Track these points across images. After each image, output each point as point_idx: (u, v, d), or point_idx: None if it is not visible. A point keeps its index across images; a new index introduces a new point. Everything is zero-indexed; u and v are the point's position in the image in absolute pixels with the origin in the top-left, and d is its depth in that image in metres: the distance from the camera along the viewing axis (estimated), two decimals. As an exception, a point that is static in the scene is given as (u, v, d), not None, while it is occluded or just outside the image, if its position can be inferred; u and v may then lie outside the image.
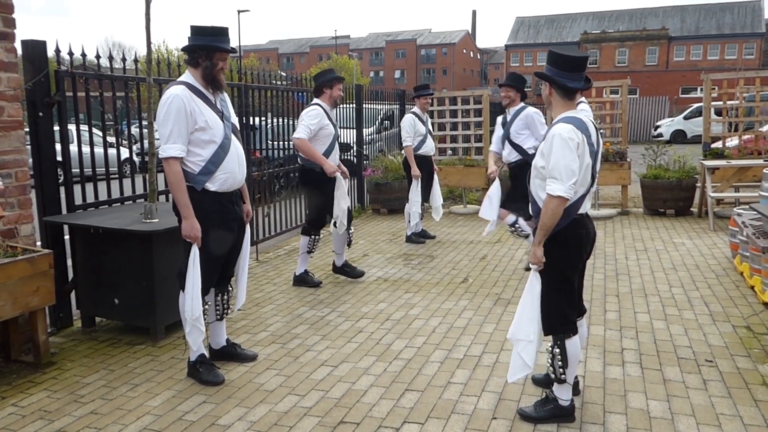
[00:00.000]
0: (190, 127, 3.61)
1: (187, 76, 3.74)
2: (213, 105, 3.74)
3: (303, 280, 6.06)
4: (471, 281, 6.09)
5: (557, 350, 3.24)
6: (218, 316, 4.15)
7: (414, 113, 7.85)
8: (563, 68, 3.18)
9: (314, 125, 5.62)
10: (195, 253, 3.71)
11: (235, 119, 3.97)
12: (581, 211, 3.19)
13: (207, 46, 3.67)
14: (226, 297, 4.15)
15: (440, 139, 11.40)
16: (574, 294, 3.30)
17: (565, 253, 3.20)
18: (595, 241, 3.34)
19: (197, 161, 3.69)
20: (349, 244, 6.21)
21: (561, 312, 3.23)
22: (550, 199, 3.01)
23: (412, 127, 7.71)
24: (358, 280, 6.20)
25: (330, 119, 5.78)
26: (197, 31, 3.71)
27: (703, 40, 58.18)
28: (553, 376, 3.30)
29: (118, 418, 3.43)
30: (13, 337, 4.20)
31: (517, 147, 6.33)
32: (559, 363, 3.23)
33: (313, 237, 6.02)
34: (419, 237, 8.05)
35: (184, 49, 3.76)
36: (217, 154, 3.71)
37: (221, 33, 3.73)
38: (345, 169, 5.90)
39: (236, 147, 3.84)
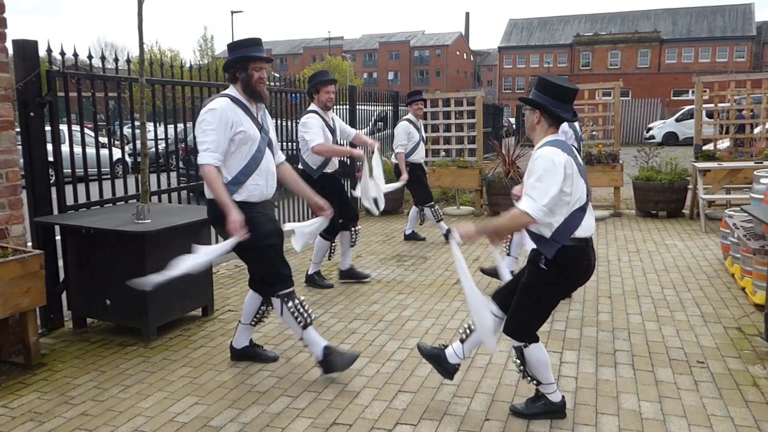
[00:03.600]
0: (228, 138, 3.68)
1: (231, 89, 3.83)
2: (254, 117, 3.81)
3: (313, 281, 6.14)
4: (464, 282, 6.08)
5: (518, 361, 3.32)
6: (253, 322, 4.17)
7: (408, 120, 7.87)
8: (558, 99, 3.16)
9: (321, 133, 5.64)
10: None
11: (273, 134, 4.01)
12: (584, 234, 3.16)
13: (240, 58, 3.75)
14: (265, 308, 4.12)
15: (433, 140, 11.41)
16: (546, 316, 3.33)
17: (564, 283, 3.24)
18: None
19: (231, 170, 3.75)
20: (353, 243, 6.27)
21: (529, 328, 3.26)
22: (519, 213, 2.99)
23: (407, 133, 7.77)
24: (352, 281, 6.19)
25: (326, 124, 5.77)
26: (231, 47, 3.82)
27: (694, 43, 58.55)
28: (528, 380, 3.34)
29: (109, 419, 3.41)
30: (4, 338, 4.17)
31: None
32: (527, 370, 3.30)
33: (332, 244, 6.16)
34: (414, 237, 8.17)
35: (224, 69, 3.87)
36: (248, 165, 3.77)
37: (253, 43, 3.82)
38: (358, 152, 5.92)
39: (268, 161, 3.88)
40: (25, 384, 3.88)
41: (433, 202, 8.01)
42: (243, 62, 3.76)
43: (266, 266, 3.83)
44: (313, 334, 3.91)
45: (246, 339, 4.22)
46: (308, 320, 3.86)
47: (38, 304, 4.12)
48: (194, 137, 3.81)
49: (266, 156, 3.87)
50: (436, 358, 3.58)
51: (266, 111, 4.02)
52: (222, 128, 3.65)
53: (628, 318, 4.90)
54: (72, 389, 3.80)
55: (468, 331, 3.49)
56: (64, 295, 4.88)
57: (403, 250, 7.61)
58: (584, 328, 4.69)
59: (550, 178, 2.98)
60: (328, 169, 5.81)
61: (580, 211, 3.13)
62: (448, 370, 3.56)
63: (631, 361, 4.06)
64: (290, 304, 3.81)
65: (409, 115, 7.97)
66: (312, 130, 5.62)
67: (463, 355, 3.53)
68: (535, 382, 3.33)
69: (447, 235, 4.49)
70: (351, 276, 6.25)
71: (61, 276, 4.87)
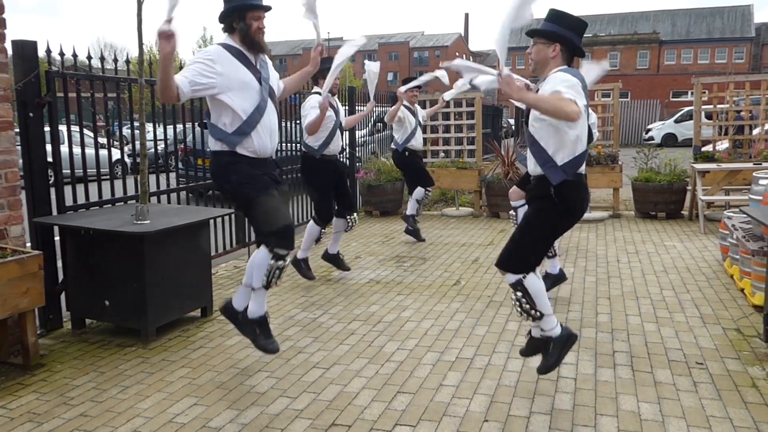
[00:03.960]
0: (205, 81, 3.50)
1: (226, 38, 3.68)
2: (252, 65, 3.68)
3: (298, 266, 6.17)
4: (463, 284, 6.09)
5: (519, 293, 3.31)
6: (264, 283, 3.79)
7: (404, 105, 7.88)
8: (579, 33, 3.17)
9: (312, 113, 5.61)
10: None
11: (275, 83, 3.90)
12: (582, 170, 3.28)
13: (238, 6, 3.60)
14: (281, 263, 3.76)
15: (433, 141, 11.41)
16: (547, 250, 3.37)
17: (566, 218, 3.29)
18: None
19: (234, 120, 3.63)
20: (348, 229, 6.34)
21: (528, 259, 3.28)
22: (567, 99, 2.92)
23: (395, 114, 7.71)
24: (351, 282, 6.19)
25: (331, 105, 5.78)
26: None
27: (693, 44, 58.59)
28: (529, 319, 3.35)
29: (108, 420, 3.41)
30: (2, 339, 4.17)
31: None
32: (527, 305, 3.30)
33: (321, 230, 6.19)
34: (414, 229, 8.13)
35: (219, 19, 3.71)
36: (252, 116, 3.64)
37: None
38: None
39: (270, 112, 3.75)
40: (23, 385, 3.88)
41: (431, 187, 8.14)
42: (240, 11, 3.61)
43: (263, 214, 3.68)
44: (265, 297, 3.84)
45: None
46: (274, 284, 3.79)
47: (37, 304, 4.11)
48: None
49: (269, 108, 3.75)
50: (541, 346, 3.50)
51: (268, 62, 3.88)
52: (200, 66, 3.48)
53: (627, 319, 4.90)
54: (71, 390, 3.79)
55: (528, 306, 3.35)
56: (63, 296, 4.88)
57: (402, 251, 7.61)
58: (583, 329, 4.69)
59: (575, 86, 3.02)
60: (328, 152, 5.88)
61: (584, 153, 3.25)
62: (567, 337, 3.46)
63: (630, 363, 4.06)
64: (277, 263, 3.69)
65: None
66: (305, 113, 5.68)
67: (555, 322, 3.44)
68: (538, 314, 3.31)
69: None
70: (333, 261, 6.29)
71: (60, 277, 4.86)
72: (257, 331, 3.89)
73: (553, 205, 3.23)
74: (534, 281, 3.31)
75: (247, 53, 3.68)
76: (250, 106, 3.65)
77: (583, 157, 3.26)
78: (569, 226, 3.48)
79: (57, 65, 4.81)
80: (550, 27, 3.18)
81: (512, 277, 3.30)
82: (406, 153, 7.95)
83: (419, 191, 8.10)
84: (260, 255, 3.74)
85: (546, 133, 3.24)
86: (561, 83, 3.06)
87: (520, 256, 3.28)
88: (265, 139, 3.75)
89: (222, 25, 3.72)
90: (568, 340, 3.42)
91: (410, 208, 8.17)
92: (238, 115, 3.64)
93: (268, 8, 3.76)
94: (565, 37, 3.15)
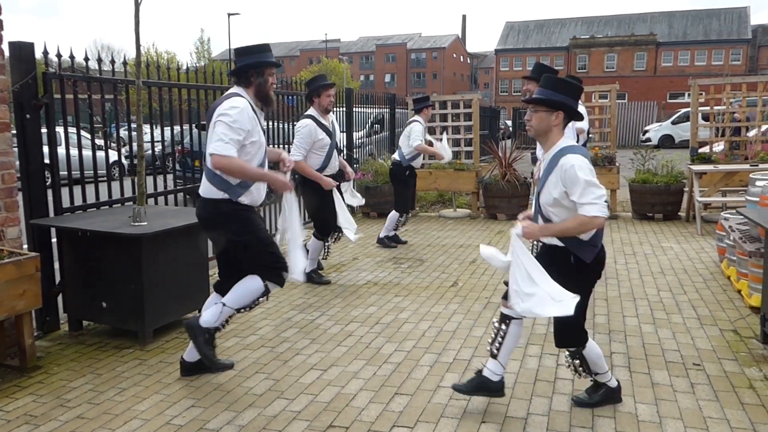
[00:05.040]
0: (242, 140, 3.66)
1: (242, 92, 3.80)
2: (261, 123, 3.85)
3: (311, 279, 6.16)
4: (461, 285, 6.10)
5: (577, 362, 3.37)
6: (244, 310, 3.91)
7: (419, 122, 7.89)
8: (576, 97, 3.19)
9: (306, 144, 5.80)
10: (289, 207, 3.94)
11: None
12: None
13: (259, 63, 3.80)
14: (266, 299, 3.93)
15: (429, 143, 11.41)
16: (586, 309, 3.35)
17: (593, 278, 3.30)
18: None
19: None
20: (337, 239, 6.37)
21: (580, 331, 3.31)
22: (588, 218, 3.01)
23: (422, 133, 7.81)
24: (348, 284, 6.19)
25: (324, 128, 5.85)
26: (244, 51, 3.85)
27: (690, 46, 58.74)
28: (588, 377, 3.45)
29: (105, 422, 3.40)
30: (-1, 341, 4.16)
31: None
32: (583, 371, 3.39)
33: (325, 243, 6.24)
34: (391, 241, 8.04)
35: (234, 72, 3.86)
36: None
37: (266, 49, 3.89)
38: (333, 182, 5.99)
39: (266, 165, 3.96)
40: (20, 387, 3.87)
41: (407, 214, 8.06)
42: (259, 67, 3.80)
43: (268, 254, 3.81)
44: (229, 315, 3.86)
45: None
46: (251, 310, 3.91)
47: (34, 306, 4.10)
48: (208, 130, 3.70)
49: (265, 162, 3.93)
50: (481, 386, 3.47)
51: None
52: (246, 128, 3.64)
53: (625, 320, 4.91)
54: (68, 392, 3.78)
55: (497, 343, 3.42)
56: (60, 298, 4.87)
57: (399, 253, 7.61)
58: (581, 330, 4.69)
59: (594, 179, 3.06)
60: (327, 172, 5.93)
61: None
62: (497, 389, 3.47)
63: (628, 364, 4.06)
64: (265, 297, 3.83)
65: (418, 118, 7.96)
66: (297, 143, 5.82)
67: (503, 368, 3.47)
68: (591, 377, 3.42)
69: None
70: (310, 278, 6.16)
71: (57, 278, 4.85)
72: (206, 336, 3.82)
73: (582, 275, 3.21)
74: (592, 349, 3.34)
75: (257, 109, 3.83)
76: (257, 162, 3.81)
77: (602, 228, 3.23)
78: (595, 281, 3.43)
79: (54, 67, 4.80)
80: (551, 95, 3.15)
81: (572, 351, 3.36)
82: (407, 172, 7.90)
83: (395, 216, 7.90)
84: (255, 285, 3.78)
85: (566, 215, 3.17)
86: (578, 181, 3.02)
87: (571, 334, 3.30)
88: (262, 191, 3.92)
89: (236, 78, 3.86)
90: (616, 396, 3.49)
91: (386, 230, 8.00)
92: None
93: (279, 64, 4.02)
94: (566, 104, 3.15)
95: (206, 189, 3.77)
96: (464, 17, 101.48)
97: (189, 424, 3.37)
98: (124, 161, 6.71)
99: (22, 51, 4.49)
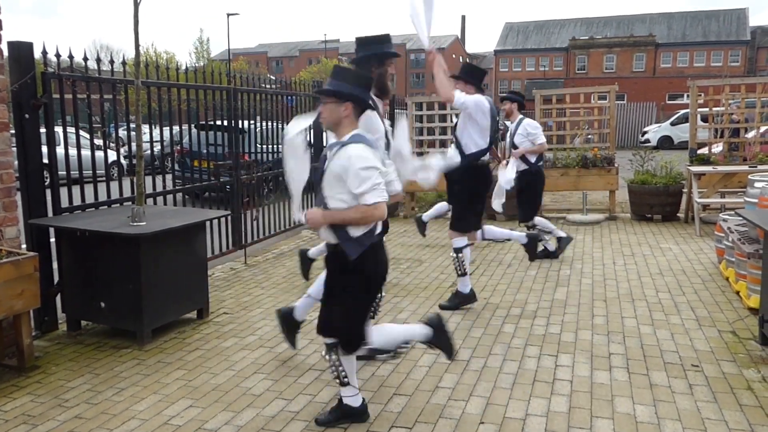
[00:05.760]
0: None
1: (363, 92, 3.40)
2: (381, 114, 3.85)
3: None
4: (459, 285, 6.08)
5: (333, 356, 3.27)
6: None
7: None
8: (366, 87, 3.16)
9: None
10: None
11: None
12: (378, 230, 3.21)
13: (382, 53, 3.86)
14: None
15: (429, 143, 11.42)
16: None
17: (361, 285, 3.20)
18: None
19: None
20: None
21: (341, 327, 3.25)
22: (368, 206, 2.99)
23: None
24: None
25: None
26: (365, 42, 3.90)
27: (689, 47, 58.79)
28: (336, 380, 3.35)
29: (103, 422, 3.40)
30: (-3, 341, 4.16)
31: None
32: (336, 370, 3.29)
33: None
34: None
35: (356, 61, 3.92)
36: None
37: (388, 40, 3.94)
38: None
39: None
40: (18, 387, 3.86)
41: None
42: (380, 58, 3.86)
43: None
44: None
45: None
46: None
47: (32, 306, 4.10)
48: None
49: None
50: (345, 415, 3.39)
51: None
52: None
53: (623, 321, 4.91)
54: (66, 392, 3.78)
55: (341, 373, 3.29)
56: (58, 298, 4.87)
57: (398, 253, 7.61)
58: (579, 331, 4.70)
59: (375, 167, 3.01)
60: None
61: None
62: (360, 413, 3.39)
63: (626, 365, 4.06)
64: None
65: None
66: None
67: (357, 389, 3.38)
68: (346, 380, 3.29)
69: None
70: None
71: (56, 278, 4.85)
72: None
73: (350, 277, 3.16)
74: (351, 360, 3.31)
75: (377, 101, 3.85)
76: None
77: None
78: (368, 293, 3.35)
79: (53, 66, 4.80)
80: (338, 87, 3.10)
81: (328, 340, 3.28)
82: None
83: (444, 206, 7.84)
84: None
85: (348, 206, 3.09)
86: (357, 172, 2.96)
87: (341, 328, 3.27)
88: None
89: (357, 67, 3.91)
90: (352, 416, 3.35)
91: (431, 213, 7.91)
92: None
93: (398, 54, 4.12)
94: (355, 96, 3.09)
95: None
96: (463, 18, 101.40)
97: (187, 424, 3.37)
98: (123, 161, 6.71)
99: (21, 51, 4.49)
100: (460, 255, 5.21)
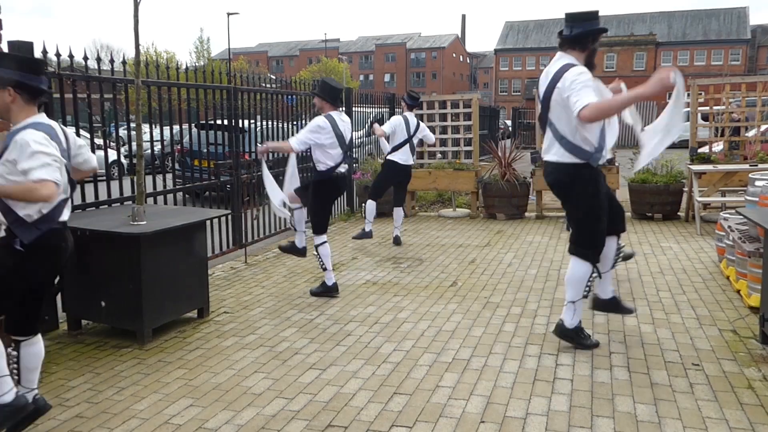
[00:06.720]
0: None
1: (573, 59, 3.98)
2: None
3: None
4: (460, 285, 6.09)
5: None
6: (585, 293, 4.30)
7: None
8: (31, 71, 3.00)
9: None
10: None
11: None
12: (63, 218, 3.12)
13: (599, 29, 4.01)
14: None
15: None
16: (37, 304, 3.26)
17: (40, 265, 3.09)
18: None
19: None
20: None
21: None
22: (34, 183, 2.82)
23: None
24: (347, 284, 6.18)
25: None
26: (581, 17, 4.01)
27: (689, 46, 58.79)
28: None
29: (104, 421, 3.40)
30: (-2, 341, 4.15)
31: None
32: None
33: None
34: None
35: (574, 37, 4.00)
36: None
37: (597, 16, 4.07)
38: None
39: None
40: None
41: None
42: (595, 34, 3.98)
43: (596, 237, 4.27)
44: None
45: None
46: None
47: (33, 306, 4.09)
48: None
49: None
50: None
51: None
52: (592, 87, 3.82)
53: (624, 320, 4.91)
54: (66, 391, 3.78)
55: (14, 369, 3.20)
56: (58, 297, 4.87)
57: (399, 253, 7.61)
58: (580, 330, 4.69)
59: (49, 152, 2.89)
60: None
61: (64, 203, 3.11)
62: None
63: (627, 364, 4.06)
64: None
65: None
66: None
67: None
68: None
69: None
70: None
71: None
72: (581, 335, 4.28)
73: (22, 258, 3.02)
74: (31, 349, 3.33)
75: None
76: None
77: (61, 206, 3.08)
78: (53, 273, 3.33)
79: (53, 66, 4.80)
80: (4, 72, 2.94)
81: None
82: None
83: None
84: (583, 269, 4.25)
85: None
86: (31, 154, 2.85)
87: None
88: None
89: (569, 44, 4.03)
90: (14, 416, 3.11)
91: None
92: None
93: (606, 30, 4.26)
94: (14, 80, 2.93)
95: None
96: (464, 17, 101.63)
97: (188, 424, 3.37)
98: (124, 160, 6.71)
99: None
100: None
